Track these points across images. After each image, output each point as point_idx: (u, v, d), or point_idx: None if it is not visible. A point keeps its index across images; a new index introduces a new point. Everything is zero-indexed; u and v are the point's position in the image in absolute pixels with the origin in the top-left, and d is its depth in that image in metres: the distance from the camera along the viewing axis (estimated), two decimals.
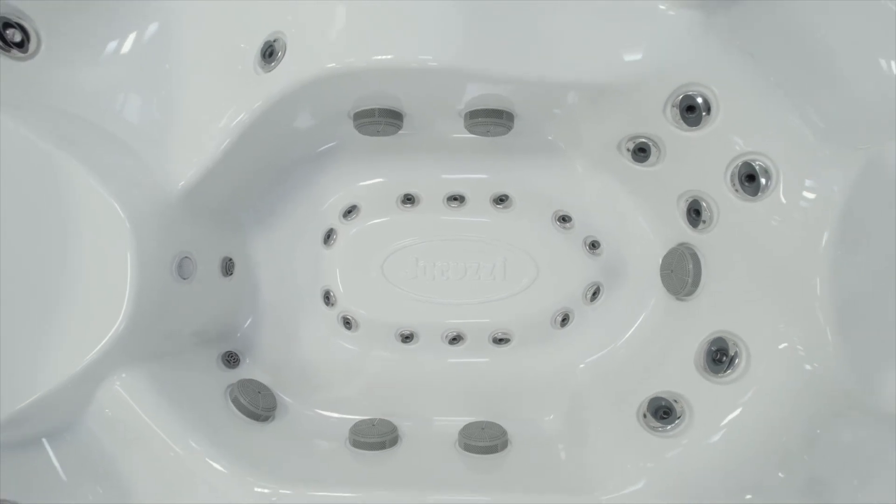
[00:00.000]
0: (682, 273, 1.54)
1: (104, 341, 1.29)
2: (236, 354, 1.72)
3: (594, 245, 1.74)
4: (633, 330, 1.71)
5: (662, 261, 1.65)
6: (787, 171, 1.28)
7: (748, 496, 1.32)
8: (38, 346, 1.30)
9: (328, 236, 1.78)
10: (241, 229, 1.76)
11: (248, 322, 1.78)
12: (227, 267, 1.69)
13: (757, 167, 1.31)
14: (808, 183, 1.26)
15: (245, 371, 1.70)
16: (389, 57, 1.32)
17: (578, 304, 1.74)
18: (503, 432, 1.57)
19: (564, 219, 1.74)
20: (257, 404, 1.56)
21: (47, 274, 1.32)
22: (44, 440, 1.36)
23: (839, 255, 1.21)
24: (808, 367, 1.26)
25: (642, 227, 1.70)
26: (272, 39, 1.41)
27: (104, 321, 1.30)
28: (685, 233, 1.56)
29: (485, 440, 1.53)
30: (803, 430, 1.31)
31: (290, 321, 1.79)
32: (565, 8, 1.33)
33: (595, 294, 1.74)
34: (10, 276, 1.31)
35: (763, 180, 1.31)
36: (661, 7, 1.29)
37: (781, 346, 1.30)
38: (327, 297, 1.78)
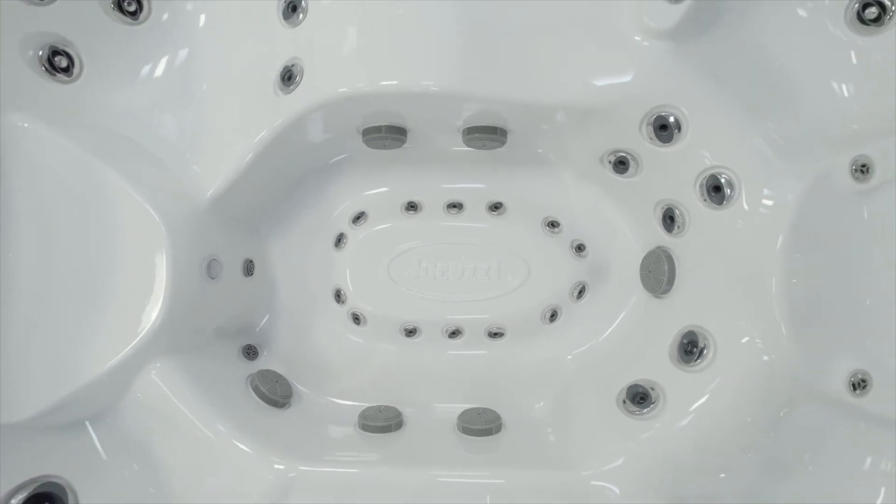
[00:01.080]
0: (658, 273, 1.61)
1: (143, 335, 1.35)
2: (255, 347, 1.77)
3: (580, 248, 1.78)
4: (615, 325, 1.76)
5: (641, 262, 1.70)
6: (749, 182, 1.36)
7: (722, 475, 1.40)
8: (84, 338, 1.36)
9: (339, 240, 1.82)
10: (260, 234, 1.80)
11: (266, 318, 1.82)
12: (249, 268, 1.73)
13: (722, 180, 1.39)
14: (766, 192, 1.34)
15: (263, 363, 1.74)
16: (395, 82, 1.38)
17: (566, 301, 1.78)
18: (497, 417, 1.62)
19: (553, 224, 1.79)
20: (275, 392, 1.61)
21: (91, 274, 1.37)
22: (87, 423, 1.42)
23: (792, 257, 1.29)
24: (765, 358, 1.35)
25: (623, 231, 1.75)
26: (290, 65, 1.45)
27: (143, 316, 1.36)
28: (661, 237, 1.62)
29: (481, 424, 1.58)
30: (763, 414, 1.38)
31: (304, 317, 1.83)
32: (552, 38, 1.39)
33: (581, 292, 1.79)
34: (57, 276, 1.36)
35: (728, 191, 1.39)
36: (637, 38, 1.36)
37: (744, 340, 1.37)
38: (338, 296, 1.82)
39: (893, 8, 1.35)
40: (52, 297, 1.36)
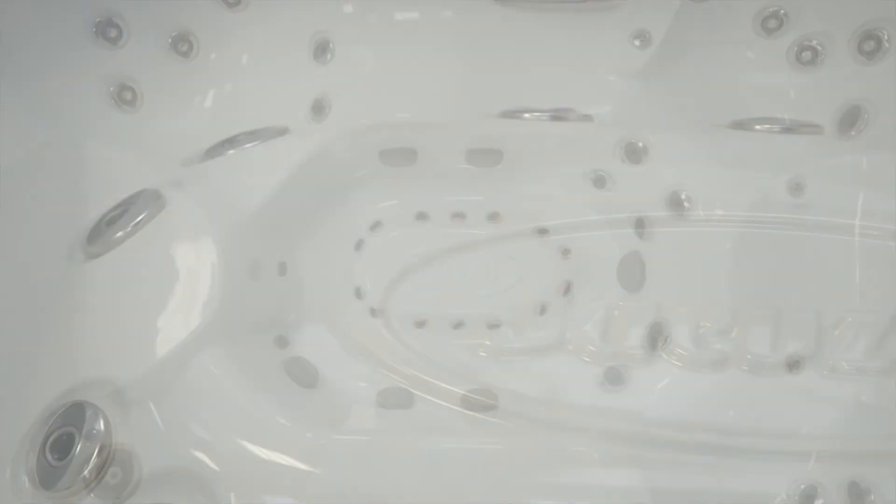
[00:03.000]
0: (632, 273, 1.74)
1: (199, 326, 1.46)
2: (286, 338, 1.77)
3: (566, 252, 1.87)
4: (595, 317, 1.79)
5: (618, 264, 1.79)
6: (704, 196, 1.53)
7: (691, 447, 1.48)
8: (150, 329, 1.45)
9: (359, 245, 1.92)
10: (292, 239, 1.86)
11: (296, 312, 1.84)
12: (282, 269, 1.81)
13: (682, 195, 1.56)
14: (718, 204, 1.51)
15: (294, 350, 1.77)
16: (408, 115, 1.55)
17: (554, 297, 1.87)
18: (495, 396, 1.68)
19: (543, 231, 1.89)
20: (305, 375, 1.68)
21: (157, 275, 1.48)
22: (149, 402, 1.44)
23: (738, 259, 1.47)
24: (717, 346, 1.54)
25: (603, 238, 1.81)
26: (320, 97, 1.62)
27: (200, 310, 1.47)
28: (635, 242, 1.75)
29: (481, 402, 1.65)
30: (719, 393, 1.54)
31: (328, 311, 1.86)
32: (539, 80, 1.55)
33: (567, 290, 1.86)
34: (128, 276, 1.46)
35: (686, 204, 1.56)
36: (611, 78, 1.54)
37: (700, 331, 1.55)
38: (358, 293, 1.90)
39: (823, 53, 1.56)
40: (124, 294, 1.46)
